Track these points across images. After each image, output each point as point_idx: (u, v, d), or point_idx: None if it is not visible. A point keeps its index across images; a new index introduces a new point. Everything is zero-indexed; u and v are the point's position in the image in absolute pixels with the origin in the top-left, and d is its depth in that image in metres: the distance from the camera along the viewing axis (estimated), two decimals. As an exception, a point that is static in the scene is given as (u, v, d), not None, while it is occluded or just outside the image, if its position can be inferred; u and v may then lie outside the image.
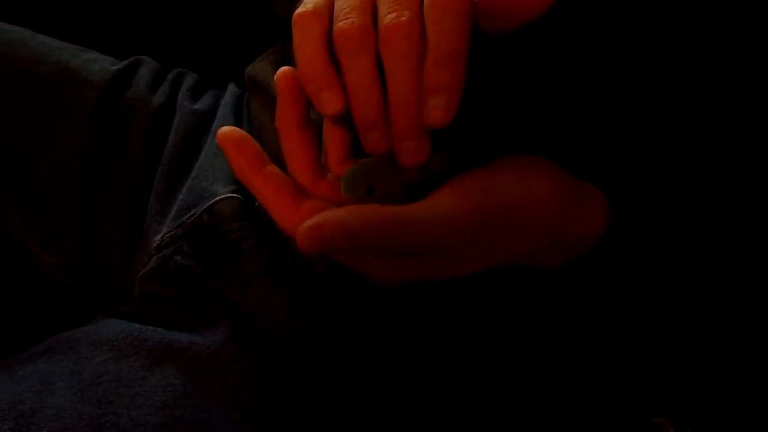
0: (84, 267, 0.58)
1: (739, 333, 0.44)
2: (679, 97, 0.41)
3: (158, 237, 0.54)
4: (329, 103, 0.35)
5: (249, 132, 0.58)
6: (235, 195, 0.52)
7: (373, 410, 0.50)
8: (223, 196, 0.52)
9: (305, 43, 0.35)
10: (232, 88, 0.65)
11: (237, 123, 0.60)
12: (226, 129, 0.37)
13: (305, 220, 0.33)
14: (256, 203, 0.52)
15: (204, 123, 0.60)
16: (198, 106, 0.61)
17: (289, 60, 0.59)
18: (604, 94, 0.42)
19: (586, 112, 0.43)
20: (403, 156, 0.35)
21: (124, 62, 0.63)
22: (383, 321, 0.49)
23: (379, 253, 0.35)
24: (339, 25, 0.34)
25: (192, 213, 0.53)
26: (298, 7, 0.36)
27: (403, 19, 0.33)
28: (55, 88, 0.59)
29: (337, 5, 0.35)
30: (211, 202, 0.52)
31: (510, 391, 0.49)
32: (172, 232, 0.53)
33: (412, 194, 0.38)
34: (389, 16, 0.34)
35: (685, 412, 0.46)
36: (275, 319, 0.49)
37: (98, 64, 0.61)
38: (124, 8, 0.79)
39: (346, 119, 0.37)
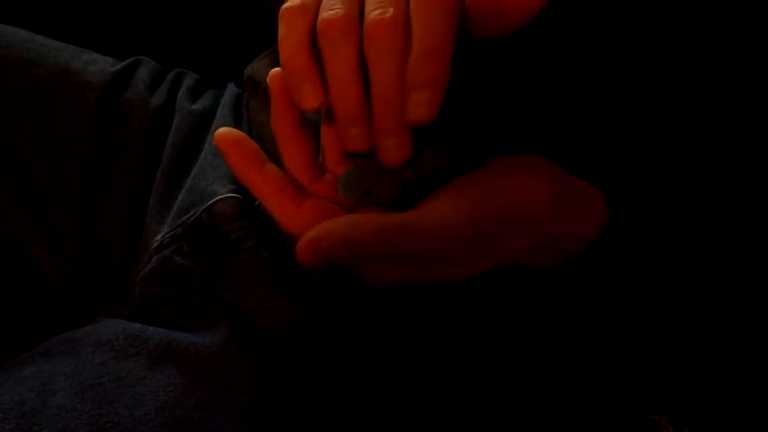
0: (84, 268, 0.58)
1: (734, 330, 0.44)
2: (673, 97, 0.42)
3: (158, 237, 0.54)
4: (308, 97, 0.34)
5: (248, 132, 0.59)
6: (234, 195, 0.52)
7: (372, 410, 0.50)
8: (222, 196, 0.52)
9: (289, 37, 0.34)
10: (231, 88, 0.65)
11: (236, 123, 0.60)
12: (223, 130, 0.37)
13: (305, 221, 0.33)
14: (256, 203, 0.53)
15: (203, 123, 0.60)
16: (197, 106, 0.61)
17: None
18: (598, 95, 0.42)
19: (582, 111, 0.43)
20: (384, 153, 0.35)
21: (123, 63, 0.63)
22: (382, 321, 0.49)
23: (377, 260, 0.35)
24: (323, 15, 0.34)
25: (192, 213, 0.53)
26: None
27: (387, 15, 0.33)
28: (55, 89, 0.59)
29: (325, 0, 0.35)
30: (210, 202, 0.53)
31: (507, 388, 0.49)
32: (172, 233, 0.53)
33: (409, 194, 0.38)
34: (375, 12, 0.33)
35: (683, 409, 0.46)
36: (275, 318, 0.49)
37: (97, 65, 0.61)
38: (124, 9, 0.79)
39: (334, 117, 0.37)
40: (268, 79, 0.37)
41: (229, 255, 0.51)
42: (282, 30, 0.35)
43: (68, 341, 0.49)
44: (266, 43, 0.65)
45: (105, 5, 0.79)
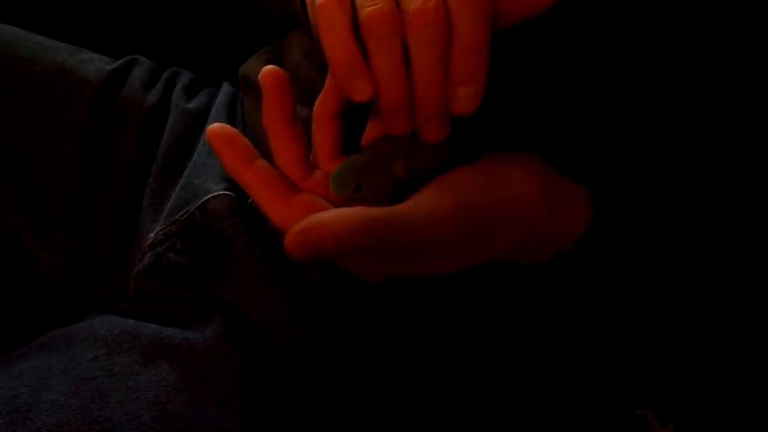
0: (80, 264, 0.59)
1: (720, 324, 0.44)
2: (666, 95, 0.42)
3: (152, 234, 0.54)
4: (361, 91, 0.35)
5: (243, 131, 0.59)
6: (227, 192, 0.53)
7: (365, 406, 0.50)
8: (215, 194, 0.53)
9: (333, 31, 0.35)
10: (226, 87, 0.66)
11: (231, 122, 0.60)
12: (216, 126, 0.38)
13: (296, 217, 0.33)
14: (249, 200, 0.53)
15: (198, 122, 0.61)
16: (192, 105, 0.62)
17: (281, 59, 0.60)
18: (591, 93, 0.42)
19: (573, 109, 0.43)
20: (428, 134, 0.37)
21: (119, 62, 0.63)
22: (375, 317, 0.50)
23: (365, 253, 0.36)
24: (368, 10, 0.34)
25: (185, 210, 0.54)
26: None
27: (430, 4, 0.34)
28: (51, 88, 0.60)
29: None
30: (203, 200, 0.53)
31: (493, 383, 0.49)
32: (165, 230, 0.54)
33: (400, 191, 0.39)
34: (416, 1, 0.34)
35: (668, 403, 0.46)
36: (268, 314, 0.50)
37: (93, 63, 0.62)
38: (119, 8, 0.79)
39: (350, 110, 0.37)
40: (259, 76, 0.38)
41: (221, 252, 0.51)
42: (324, 25, 0.35)
43: (63, 337, 0.49)
44: (260, 42, 0.65)
45: (101, 4, 0.79)
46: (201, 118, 0.61)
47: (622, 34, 0.42)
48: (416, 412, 0.51)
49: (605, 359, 0.47)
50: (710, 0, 0.40)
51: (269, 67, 0.38)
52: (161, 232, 0.54)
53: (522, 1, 0.38)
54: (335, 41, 0.35)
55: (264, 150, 0.39)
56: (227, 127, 0.38)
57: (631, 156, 0.42)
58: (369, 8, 0.34)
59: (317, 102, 0.39)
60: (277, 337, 0.50)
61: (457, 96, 0.35)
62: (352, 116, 0.40)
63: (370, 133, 0.40)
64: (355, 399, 0.50)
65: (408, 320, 0.49)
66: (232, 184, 0.53)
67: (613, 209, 0.40)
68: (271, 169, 0.38)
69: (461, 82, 0.35)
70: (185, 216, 0.53)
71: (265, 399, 0.48)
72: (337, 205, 0.38)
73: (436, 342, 0.50)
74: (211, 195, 0.53)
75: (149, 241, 0.54)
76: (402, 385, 0.50)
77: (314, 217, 0.33)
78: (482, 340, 0.49)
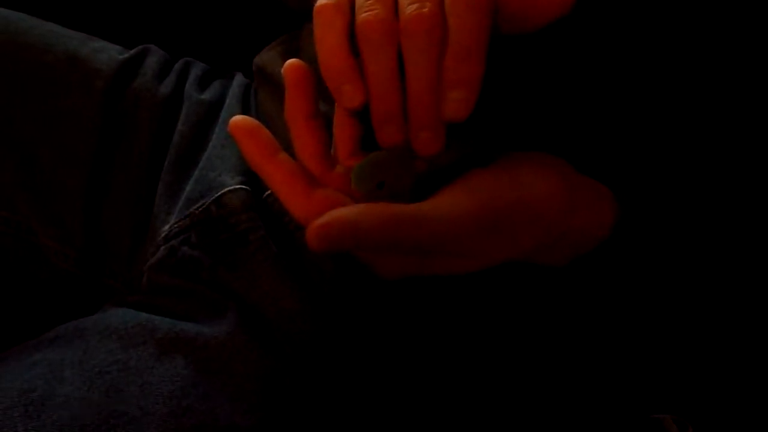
0: (91, 255, 0.58)
1: (740, 330, 0.44)
2: (694, 97, 0.41)
3: (166, 227, 0.54)
4: (350, 97, 0.35)
5: (257, 122, 0.59)
6: (243, 186, 0.52)
7: (376, 401, 0.50)
8: (231, 188, 0.52)
9: (327, 35, 0.35)
10: (239, 78, 0.65)
11: (244, 113, 0.60)
12: (238, 118, 0.37)
13: (317, 212, 0.33)
14: (264, 194, 0.53)
15: (211, 113, 0.60)
16: (205, 96, 0.61)
17: (297, 50, 0.59)
18: (614, 94, 0.42)
19: (598, 109, 0.43)
20: (420, 146, 0.36)
21: (132, 51, 0.63)
22: (389, 313, 0.50)
23: (386, 250, 0.35)
24: (363, 16, 0.34)
25: (200, 204, 0.53)
26: None
27: (425, 10, 0.33)
28: (63, 77, 0.59)
29: None
30: (219, 194, 0.53)
31: (512, 386, 0.49)
32: (180, 223, 0.54)
33: (421, 188, 0.39)
34: (411, 6, 0.34)
35: (687, 407, 0.46)
36: (282, 309, 0.49)
37: (105, 53, 0.61)
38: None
39: (360, 111, 0.37)
40: (282, 70, 0.37)
41: (237, 246, 0.51)
42: (318, 28, 0.35)
43: (76, 329, 0.49)
44: (274, 32, 0.65)
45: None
46: (214, 110, 0.61)
47: (636, 31, 0.41)
48: (429, 409, 0.50)
49: (623, 361, 0.47)
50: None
51: (292, 61, 0.37)
52: (175, 225, 0.53)
53: (538, 8, 0.37)
54: (328, 46, 0.35)
55: (280, 142, 0.39)
56: (249, 120, 0.37)
57: (653, 155, 0.42)
58: (365, 13, 0.34)
59: None
60: (291, 332, 0.49)
61: (448, 100, 0.34)
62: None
63: (336, 135, 0.39)
64: (367, 394, 0.50)
65: (421, 318, 0.49)
66: (248, 178, 0.53)
67: (638, 209, 0.40)
68: (293, 163, 0.38)
69: (453, 87, 0.34)
70: (200, 209, 0.53)
71: (279, 394, 0.48)
72: (358, 201, 0.38)
73: (449, 341, 0.49)
74: (227, 189, 0.52)
75: (163, 234, 0.54)
76: (415, 384, 0.50)
77: (336, 212, 0.33)
78: (498, 341, 0.49)
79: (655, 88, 0.42)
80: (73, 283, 0.60)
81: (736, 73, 0.41)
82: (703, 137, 0.42)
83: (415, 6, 0.34)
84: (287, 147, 0.39)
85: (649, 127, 0.42)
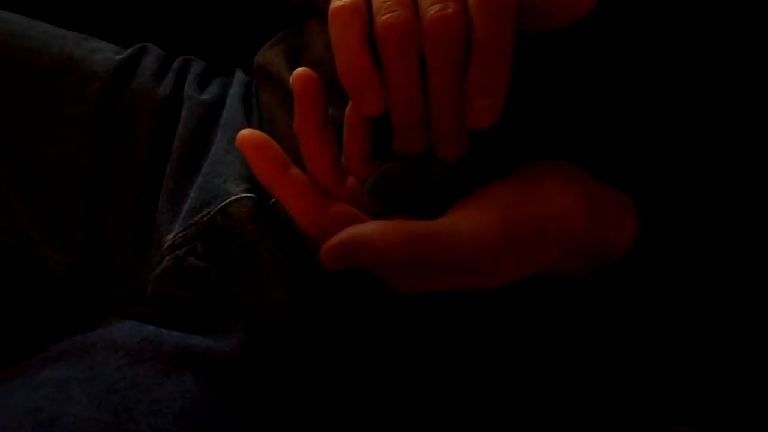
0: (94, 264, 0.57)
1: (764, 342, 0.43)
2: (713, 102, 0.40)
3: (170, 236, 0.53)
4: (370, 104, 0.34)
5: (259, 122, 0.57)
6: (249, 195, 0.51)
7: (388, 410, 0.50)
8: (237, 197, 0.51)
9: (345, 39, 0.33)
10: (239, 75, 0.63)
11: (247, 114, 0.58)
12: (246, 132, 0.36)
13: (332, 228, 0.32)
14: (270, 202, 0.51)
15: (212, 114, 0.59)
16: (205, 96, 0.60)
17: (300, 48, 0.57)
18: (634, 102, 0.41)
19: (616, 117, 0.41)
20: (443, 151, 0.35)
21: (129, 51, 0.61)
22: (400, 325, 0.49)
23: (404, 267, 0.35)
24: (384, 18, 0.33)
25: (205, 213, 0.52)
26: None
27: (449, 11, 0.32)
28: (59, 80, 0.57)
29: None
30: (225, 203, 0.51)
31: (527, 398, 0.48)
32: (184, 232, 0.52)
33: (436, 200, 0.38)
34: (433, 7, 0.32)
35: (708, 419, 0.46)
36: (293, 321, 0.49)
37: (102, 53, 0.59)
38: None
39: (379, 117, 0.36)
40: (291, 80, 0.36)
41: (245, 257, 0.50)
42: (335, 31, 0.33)
43: (82, 344, 0.48)
44: (274, 26, 0.63)
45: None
46: (215, 110, 0.59)
47: (653, 39, 0.40)
48: (436, 415, 0.50)
49: (643, 372, 0.47)
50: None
51: (300, 69, 0.36)
52: (180, 235, 0.52)
53: (557, 7, 0.36)
54: (346, 51, 0.33)
55: (284, 145, 0.38)
56: (257, 133, 0.36)
57: (674, 165, 0.41)
58: (385, 16, 0.33)
59: (350, 105, 0.38)
60: (302, 344, 0.49)
61: (474, 108, 0.33)
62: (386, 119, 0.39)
63: (347, 145, 0.38)
64: (380, 405, 0.49)
65: (436, 330, 0.49)
66: (253, 185, 0.51)
67: (660, 220, 0.39)
68: (305, 178, 0.37)
69: (479, 94, 0.33)
70: (205, 218, 0.52)
71: (290, 409, 0.47)
72: (372, 215, 0.37)
73: (466, 353, 0.49)
74: (233, 198, 0.51)
75: (167, 243, 0.52)
76: (428, 394, 0.49)
77: (352, 230, 0.32)
78: (515, 353, 0.48)
79: (672, 93, 0.41)
80: (76, 293, 0.59)
81: (755, 78, 0.40)
82: (720, 144, 0.41)
83: (438, 6, 0.32)
84: (291, 148, 0.38)
85: (668, 132, 0.41)
